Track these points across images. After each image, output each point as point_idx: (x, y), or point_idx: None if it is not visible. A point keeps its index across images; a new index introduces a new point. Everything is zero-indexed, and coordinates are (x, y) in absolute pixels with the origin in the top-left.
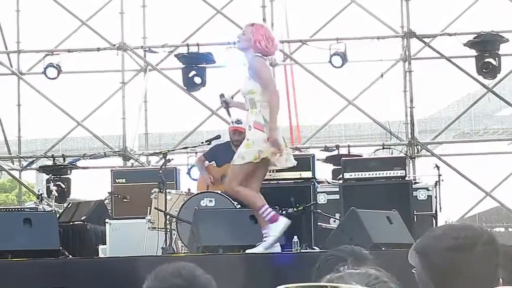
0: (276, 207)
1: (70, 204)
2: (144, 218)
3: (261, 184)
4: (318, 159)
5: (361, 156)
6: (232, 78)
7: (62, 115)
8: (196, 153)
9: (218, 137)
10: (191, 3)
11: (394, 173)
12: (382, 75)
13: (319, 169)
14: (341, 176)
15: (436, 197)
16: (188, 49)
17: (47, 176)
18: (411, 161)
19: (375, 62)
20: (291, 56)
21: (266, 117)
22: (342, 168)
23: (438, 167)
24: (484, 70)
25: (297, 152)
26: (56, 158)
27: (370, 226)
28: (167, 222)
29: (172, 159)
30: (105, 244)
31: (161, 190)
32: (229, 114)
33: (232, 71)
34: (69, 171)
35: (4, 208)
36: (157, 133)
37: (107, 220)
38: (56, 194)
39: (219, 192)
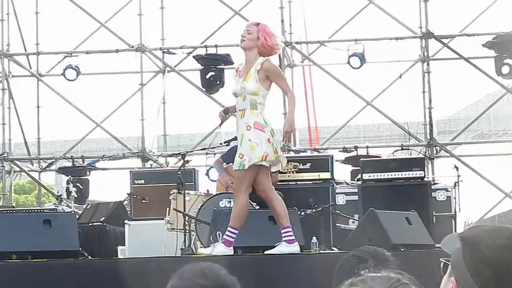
0: (295, 208)
1: (89, 205)
2: (163, 219)
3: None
4: (336, 160)
5: (380, 157)
6: None
7: (81, 116)
8: (214, 154)
9: (235, 138)
10: (209, 4)
11: (413, 174)
12: (400, 76)
13: (337, 170)
14: (359, 177)
15: (455, 198)
16: (206, 50)
17: (66, 178)
18: (430, 162)
19: (394, 63)
20: (309, 57)
21: (265, 119)
22: (361, 169)
23: (457, 168)
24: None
25: (315, 153)
26: (75, 160)
27: (389, 227)
28: (186, 223)
29: (191, 160)
30: (124, 245)
31: (180, 191)
32: (220, 126)
33: None
34: (88, 172)
35: (24, 209)
36: (175, 134)
37: (126, 221)
38: (75, 195)
39: None
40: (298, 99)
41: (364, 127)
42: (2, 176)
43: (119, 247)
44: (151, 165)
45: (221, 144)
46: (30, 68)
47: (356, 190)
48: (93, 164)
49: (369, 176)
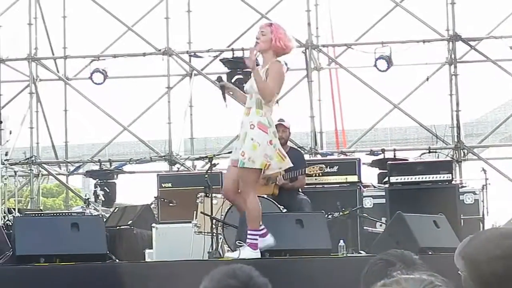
0: (322, 211)
1: (117, 209)
2: (190, 222)
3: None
4: (363, 163)
5: (407, 160)
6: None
7: (108, 120)
8: None
9: None
10: (236, 7)
11: (440, 177)
12: (427, 79)
13: (365, 173)
14: (387, 180)
15: (483, 201)
16: (233, 53)
17: (94, 181)
18: (457, 165)
19: (421, 65)
20: (336, 60)
21: (270, 120)
22: (388, 172)
23: (484, 171)
24: None
25: (342, 156)
26: (102, 163)
27: (417, 230)
28: (213, 226)
29: (218, 163)
30: (152, 248)
31: (207, 195)
32: (224, 99)
33: None
34: (115, 176)
35: (51, 213)
36: (202, 137)
37: (153, 224)
38: (103, 199)
39: (264, 196)
40: (325, 102)
41: (391, 130)
42: (30, 179)
43: (147, 251)
44: (178, 168)
45: None
46: (58, 72)
47: (383, 193)
48: (121, 168)
49: (396, 179)
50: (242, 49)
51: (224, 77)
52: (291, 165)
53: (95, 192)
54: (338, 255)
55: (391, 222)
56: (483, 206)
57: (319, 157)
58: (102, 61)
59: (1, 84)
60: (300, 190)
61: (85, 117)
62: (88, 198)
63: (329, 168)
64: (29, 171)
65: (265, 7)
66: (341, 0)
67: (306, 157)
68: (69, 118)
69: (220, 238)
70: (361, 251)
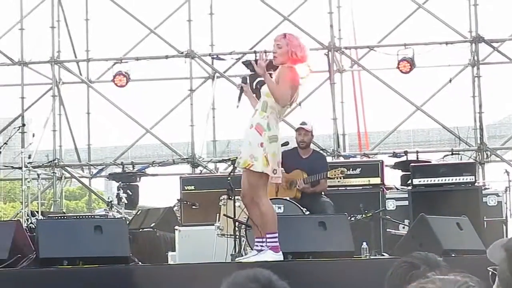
0: (345, 213)
1: (139, 211)
2: (213, 224)
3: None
4: (386, 165)
5: (430, 162)
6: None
7: (131, 122)
8: None
9: (286, 143)
10: (258, 10)
11: (463, 179)
12: (450, 80)
13: (387, 175)
14: (410, 182)
15: (506, 203)
16: (256, 56)
17: (116, 184)
18: (480, 166)
19: (443, 67)
20: (358, 62)
21: (270, 125)
22: (411, 174)
23: (508, 173)
24: None
25: (365, 159)
26: (125, 166)
27: (440, 232)
28: (236, 228)
29: None
30: (175, 251)
31: (230, 197)
32: (238, 100)
33: None
34: (138, 178)
35: (75, 215)
36: (225, 140)
37: (176, 227)
38: (126, 201)
39: (288, 198)
40: (347, 104)
41: (413, 132)
42: (53, 182)
43: (169, 253)
44: (200, 171)
45: None
46: (81, 74)
47: (406, 195)
48: (143, 170)
49: (419, 181)
50: (265, 52)
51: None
52: (269, 173)
53: (118, 194)
54: (361, 257)
55: (414, 224)
56: (507, 208)
57: (341, 159)
58: (124, 64)
59: (24, 87)
60: (322, 192)
61: (108, 120)
62: (111, 201)
63: (352, 170)
64: (52, 174)
65: (287, 9)
66: (363, 2)
67: (329, 159)
68: (92, 121)
69: (243, 241)
70: (384, 254)
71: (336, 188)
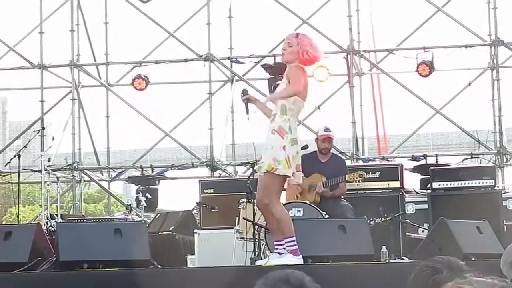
0: (365, 217)
1: (159, 215)
2: (232, 228)
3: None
4: (405, 169)
5: (449, 165)
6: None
7: (150, 126)
8: None
9: (305, 147)
10: (277, 13)
11: (483, 183)
12: (469, 84)
13: (407, 178)
14: (429, 185)
15: None
16: (275, 59)
17: (135, 187)
18: (500, 170)
19: (463, 70)
20: (377, 66)
21: (292, 127)
22: (431, 177)
23: None
24: None
25: (384, 162)
26: (144, 169)
27: (460, 236)
28: (256, 232)
29: None
30: (194, 254)
31: (249, 200)
32: (247, 112)
33: None
34: (157, 182)
35: (95, 219)
36: (244, 143)
37: (195, 230)
38: (145, 205)
39: (307, 202)
40: (366, 107)
41: (433, 135)
42: (72, 185)
43: (189, 256)
44: (219, 174)
45: None
46: (100, 78)
47: (425, 199)
48: (162, 173)
49: (439, 184)
50: (273, 55)
51: (248, 91)
52: (290, 175)
53: (137, 198)
54: (380, 261)
55: (434, 228)
56: None
57: (360, 162)
58: (143, 67)
59: (44, 90)
60: (342, 196)
61: (127, 123)
62: (130, 204)
63: (371, 174)
64: (71, 177)
65: (306, 13)
66: (382, 5)
67: (348, 162)
68: (111, 124)
69: (263, 244)
70: (404, 257)
71: (356, 192)
